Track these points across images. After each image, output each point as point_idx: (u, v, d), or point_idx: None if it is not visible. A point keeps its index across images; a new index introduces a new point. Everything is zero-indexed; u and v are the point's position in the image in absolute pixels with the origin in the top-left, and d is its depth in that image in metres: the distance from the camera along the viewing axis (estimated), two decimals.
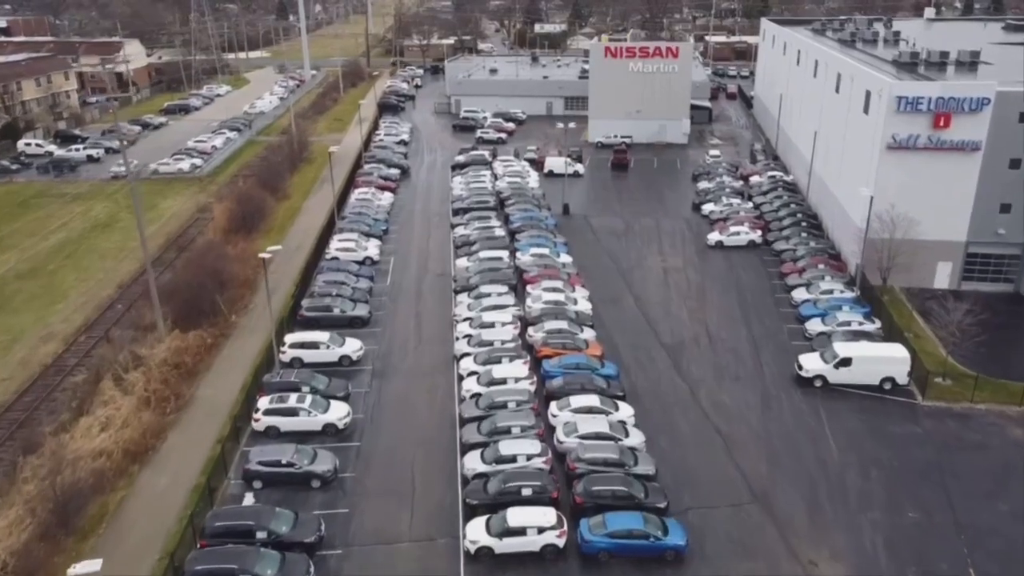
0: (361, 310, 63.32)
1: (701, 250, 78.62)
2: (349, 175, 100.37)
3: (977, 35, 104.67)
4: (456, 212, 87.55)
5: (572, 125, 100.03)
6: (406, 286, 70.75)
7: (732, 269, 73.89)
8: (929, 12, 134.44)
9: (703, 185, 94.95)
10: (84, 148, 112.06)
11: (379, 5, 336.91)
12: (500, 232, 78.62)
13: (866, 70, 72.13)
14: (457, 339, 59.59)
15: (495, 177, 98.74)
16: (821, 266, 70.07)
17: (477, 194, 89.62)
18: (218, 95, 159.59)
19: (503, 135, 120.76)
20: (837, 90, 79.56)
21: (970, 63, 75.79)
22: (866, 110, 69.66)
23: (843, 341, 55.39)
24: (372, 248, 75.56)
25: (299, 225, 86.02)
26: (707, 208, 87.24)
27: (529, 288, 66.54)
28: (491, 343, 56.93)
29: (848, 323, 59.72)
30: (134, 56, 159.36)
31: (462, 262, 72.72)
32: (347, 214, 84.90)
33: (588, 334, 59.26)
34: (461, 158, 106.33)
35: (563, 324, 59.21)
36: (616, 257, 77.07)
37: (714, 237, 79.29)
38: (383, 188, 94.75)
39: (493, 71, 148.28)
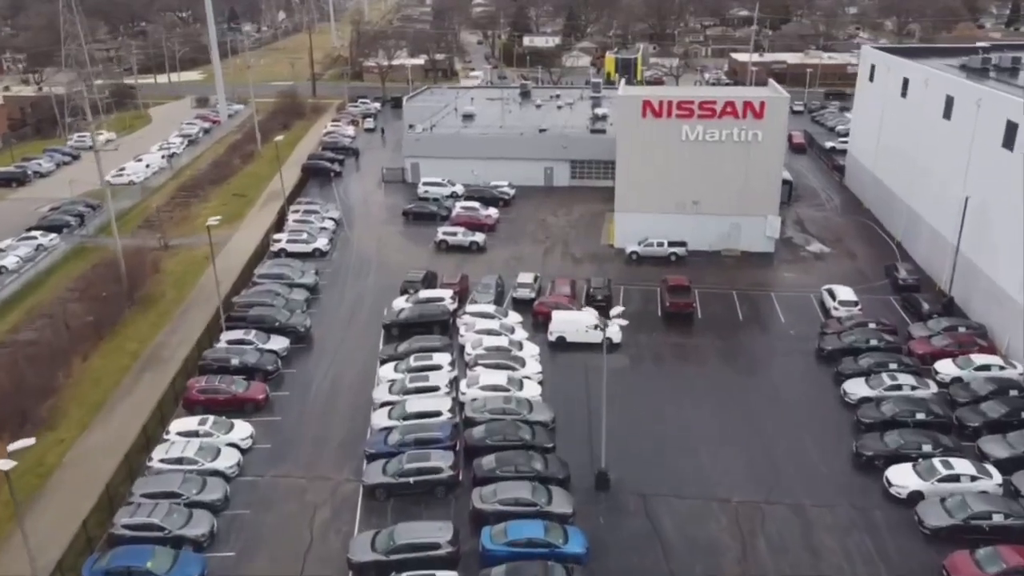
0: None
1: None
2: (191, 357, 51.38)
3: None
4: (373, 491, 39.09)
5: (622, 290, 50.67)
6: None
7: None
8: None
9: (857, 390, 46.33)
10: None
11: (352, 12, 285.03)
12: None
13: None
14: None
15: (456, 364, 50.10)
16: None
17: (415, 453, 40.10)
18: (90, 148, 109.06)
19: (479, 238, 71.65)
20: None
21: None
22: None
23: None
24: None
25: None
26: (901, 481, 38.55)
27: None
28: None
29: None
30: None
31: None
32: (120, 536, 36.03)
33: None
34: (402, 306, 56.78)
35: None
36: None
37: None
38: (242, 402, 45.78)
39: (468, 116, 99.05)
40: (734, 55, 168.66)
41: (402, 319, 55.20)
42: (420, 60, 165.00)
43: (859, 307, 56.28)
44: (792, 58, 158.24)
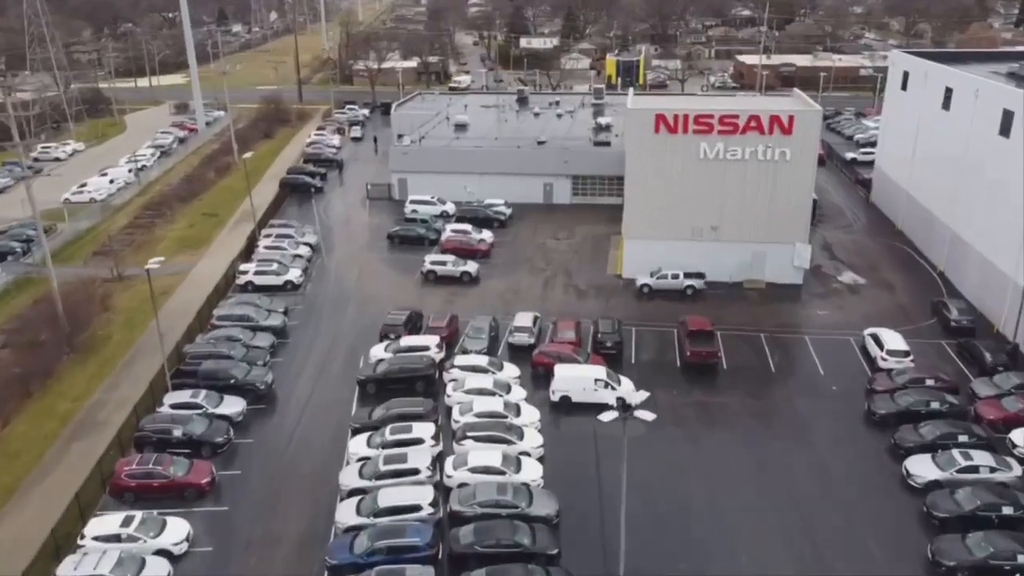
0: None
1: None
2: (129, 423, 42.95)
3: None
4: None
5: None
6: None
7: None
8: None
9: (923, 472, 37.94)
10: None
11: (344, 12, 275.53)
12: None
13: None
14: None
15: (441, 436, 41.76)
16: None
17: (386, 570, 31.46)
18: (57, 159, 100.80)
19: (471, 268, 63.33)
20: None
21: None
22: None
23: None
24: None
25: None
26: None
27: None
28: None
29: None
30: None
31: None
32: None
33: None
34: (380, 357, 48.68)
35: None
36: None
37: None
38: (181, 488, 37.31)
39: (460, 126, 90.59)
40: (740, 57, 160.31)
41: (380, 374, 46.82)
42: (412, 63, 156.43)
43: (911, 357, 48.01)
44: (800, 60, 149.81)
